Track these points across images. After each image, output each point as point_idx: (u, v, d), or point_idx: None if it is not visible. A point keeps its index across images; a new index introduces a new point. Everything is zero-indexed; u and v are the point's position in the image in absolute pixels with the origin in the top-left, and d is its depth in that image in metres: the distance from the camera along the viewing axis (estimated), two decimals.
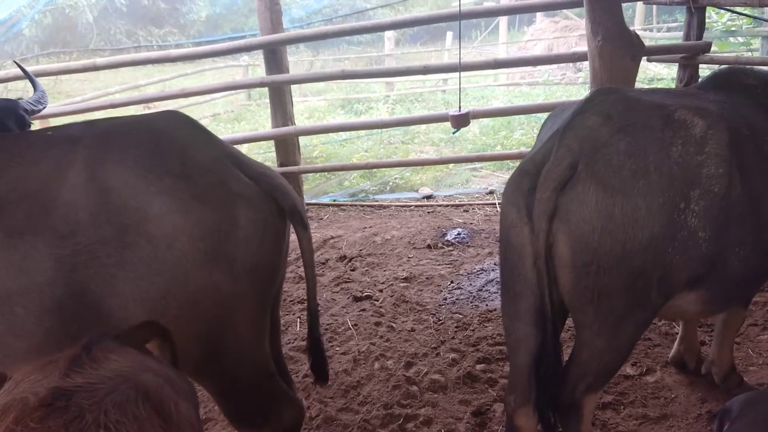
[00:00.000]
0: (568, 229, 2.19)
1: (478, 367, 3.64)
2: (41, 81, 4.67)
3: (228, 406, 2.37)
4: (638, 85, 5.85)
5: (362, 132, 10.00)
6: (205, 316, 2.14)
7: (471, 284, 4.74)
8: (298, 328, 4.25)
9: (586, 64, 5.09)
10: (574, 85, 13.77)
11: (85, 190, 2.06)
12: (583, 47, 5.13)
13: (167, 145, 2.19)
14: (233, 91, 14.37)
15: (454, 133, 5.78)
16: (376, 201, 7.18)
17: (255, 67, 16.02)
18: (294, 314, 4.45)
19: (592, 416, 2.61)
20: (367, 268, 5.13)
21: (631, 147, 2.21)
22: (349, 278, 4.95)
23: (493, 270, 4.93)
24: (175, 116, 2.39)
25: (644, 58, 4.89)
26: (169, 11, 22.27)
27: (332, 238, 5.84)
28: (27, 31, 16.21)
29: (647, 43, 4.45)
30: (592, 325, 2.32)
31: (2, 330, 2.13)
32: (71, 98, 11.24)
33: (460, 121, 4.94)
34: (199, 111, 13.58)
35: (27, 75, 4.15)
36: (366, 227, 6.12)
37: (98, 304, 2.08)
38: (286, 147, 6.45)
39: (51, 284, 2.06)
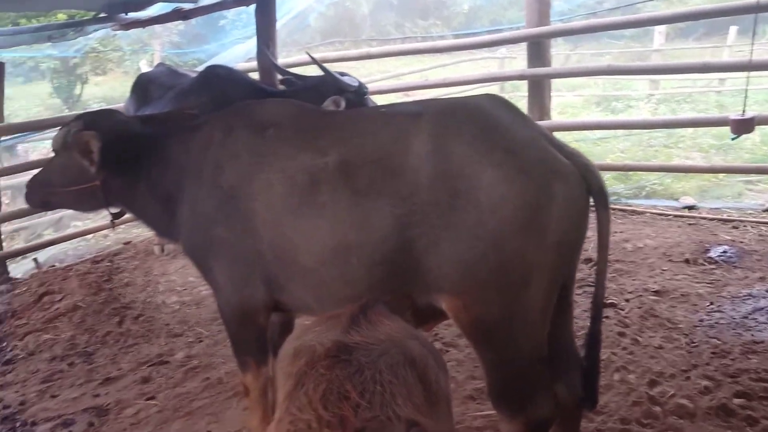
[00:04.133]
0: None
1: (736, 401, 3.25)
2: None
3: (496, 380, 2.45)
4: None
5: (619, 132, 9.44)
6: (508, 283, 2.27)
7: (735, 309, 4.24)
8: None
9: None
10: None
11: (428, 158, 2.32)
12: None
13: (494, 122, 2.37)
14: (488, 84, 14.52)
15: (733, 139, 5.18)
16: (630, 206, 6.75)
17: (511, 59, 16.01)
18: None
19: None
20: (614, 275, 4.87)
21: None
22: (593, 282, 4.75)
23: (764, 297, 4.35)
24: (495, 98, 2.57)
25: None
26: (435, 4, 23.27)
27: None
28: (313, 23, 18.23)
29: None
30: None
31: (336, 276, 2.51)
32: None
33: (743, 126, 4.43)
34: None
35: (321, 66, 4.79)
36: (616, 232, 5.80)
37: (419, 261, 2.34)
38: None
39: (385, 240, 2.37)
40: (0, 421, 3.77)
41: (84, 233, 7.53)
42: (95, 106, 14.05)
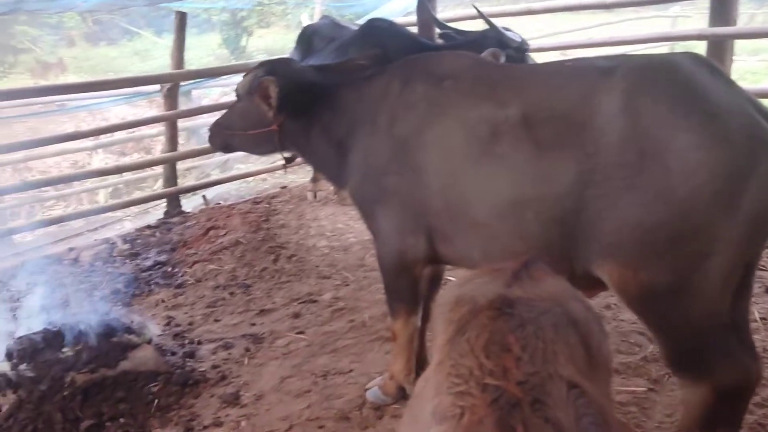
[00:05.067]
0: None
1: None
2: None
3: (668, 346, 2.36)
4: None
5: None
6: (689, 253, 2.17)
7: None
8: None
9: None
10: None
11: (618, 116, 2.23)
12: None
13: (695, 83, 2.22)
14: (659, 43, 13.44)
15: None
16: None
17: (685, 18, 14.68)
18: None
19: None
20: None
21: None
22: (764, 266, 4.34)
23: None
24: (697, 57, 2.40)
25: None
26: None
27: None
28: None
29: None
30: None
31: (508, 231, 2.51)
32: None
33: None
34: None
35: (486, 20, 4.71)
36: None
37: (592, 223, 2.28)
38: None
39: (565, 196, 2.32)
40: (172, 337, 4.23)
41: (246, 175, 8.11)
42: (259, 57, 14.86)
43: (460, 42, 5.01)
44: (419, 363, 3.31)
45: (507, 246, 2.52)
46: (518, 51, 4.70)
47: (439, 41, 5.55)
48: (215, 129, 3.64)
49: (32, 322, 4.03)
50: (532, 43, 8.73)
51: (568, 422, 1.19)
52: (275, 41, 20.08)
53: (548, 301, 1.49)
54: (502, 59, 4.36)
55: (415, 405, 1.39)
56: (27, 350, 3.49)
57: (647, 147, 2.16)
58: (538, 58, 6.51)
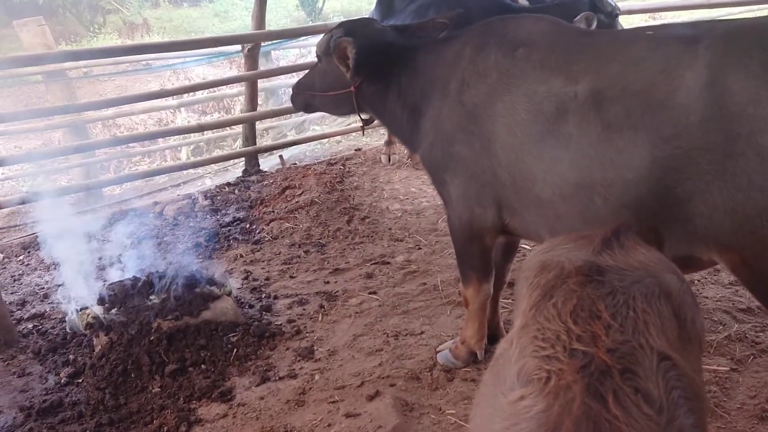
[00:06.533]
0: None
1: None
2: None
3: None
4: None
5: None
6: None
7: None
8: None
9: None
10: None
11: (701, 94, 2.04)
12: None
13: None
14: (760, 6, 12.51)
15: None
16: None
17: None
18: None
19: None
20: None
21: None
22: None
23: None
24: None
25: None
26: None
27: None
28: None
29: None
30: None
31: (575, 213, 2.39)
32: None
33: None
34: None
35: None
36: None
37: (680, 208, 2.13)
38: None
39: (638, 182, 2.17)
40: (250, 290, 4.39)
41: (322, 137, 8.20)
42: (335, 19, 14.88)
43: (547, 5, 4.83)
44: (491, 329, 3.31)
45: (574, 229, 2.37)
46: (609, 16, 4.50)
47: (524, 2, 5.37)
48: (297, 89, 3.69)
49: (122, 270, 4.28)
50: (620, 5, 8.37)
51: (658, 394, 1.17)
52: (350, 3, 20.04)
53: (641, 271, 1.46)
54: (595, 24, 4.16)
55: (498, 365, 1.39)
56: (118, 296, 3.71)
57: (737, 128, 1.97)
58: (626, 22, 6.22)
